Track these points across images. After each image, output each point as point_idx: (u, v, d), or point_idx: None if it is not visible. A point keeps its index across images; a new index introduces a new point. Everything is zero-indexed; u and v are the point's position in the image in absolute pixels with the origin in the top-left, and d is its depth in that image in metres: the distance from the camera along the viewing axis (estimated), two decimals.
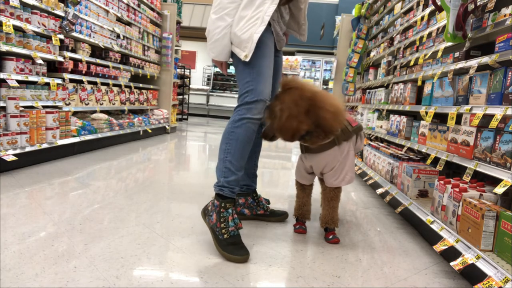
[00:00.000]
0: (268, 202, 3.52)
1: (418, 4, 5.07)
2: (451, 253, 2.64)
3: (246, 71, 2.82)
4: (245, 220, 3.38)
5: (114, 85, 7.58)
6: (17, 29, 4.79)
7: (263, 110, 2.83)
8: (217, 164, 2.92)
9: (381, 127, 5.54)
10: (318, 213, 3.65)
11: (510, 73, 2.57)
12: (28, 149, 4.79)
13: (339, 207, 3.15)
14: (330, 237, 3.09)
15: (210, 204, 2.85)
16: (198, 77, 20.74)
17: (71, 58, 5.98)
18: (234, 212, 2.78)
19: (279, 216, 3.48)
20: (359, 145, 3.27)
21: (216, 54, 2.85)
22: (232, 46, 2.83)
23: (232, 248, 2.66)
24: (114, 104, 7.56)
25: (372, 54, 7.56)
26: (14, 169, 4.64)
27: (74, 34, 5.99)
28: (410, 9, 5.47)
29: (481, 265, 2.29)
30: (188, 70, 16.15)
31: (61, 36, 5.57)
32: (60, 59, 5.63)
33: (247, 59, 2.74)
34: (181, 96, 14.83)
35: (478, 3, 3.15)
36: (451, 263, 2.49)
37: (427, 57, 4.22)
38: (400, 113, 4.97)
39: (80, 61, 6.26)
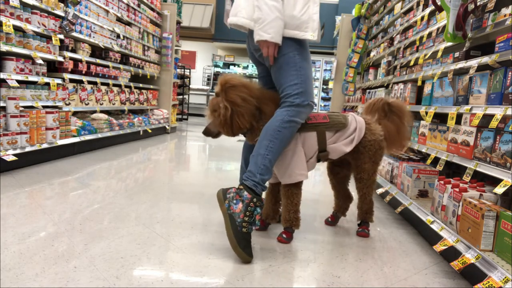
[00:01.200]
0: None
1: (418, 4, 5.07)
2: (451, 253, 2.64)
3: (293, 73, 2.83)
4: None
5: (114, 85, 7.58)
6: (17, 29, 4.78)
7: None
8: (254, 156, 2.81)
9: None
10: (319, 215, 3.65)
11: (510, 73, 2.57)
12: (28, 149, 4.79)
13: (299, 209, 3.03)
14: (284, 236, 3.05)
15: (233, 191, 2.71)
16: (198, 77, 20.75)
17: (71, 58, 5.98)
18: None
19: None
20: (337, 145, 3.05)
21: (274, 34, 2.74)
22: (285, 31, 2.80)
23: (245, 244, 2.61)
24: (114, 104, 7.56)
25: (372, 54, 7.57)
26: (14, 169, 4.64)
27: (74, 34, 5.99)
28: (410, 9, 5.48)
29: (481, 265, 2.29)
30: (188, 70, 16.15)
31: (61, 36, 5.57)
32: (60, 59, 5.63)
33: (315, 38, 2.79)
34: (181, 96, 14.83)
35: (478, 3, 3.15)
36: (451, 263, 2.50)
37: (427, 57, 4.22)
38: None
39: (80, 61, 6.25)
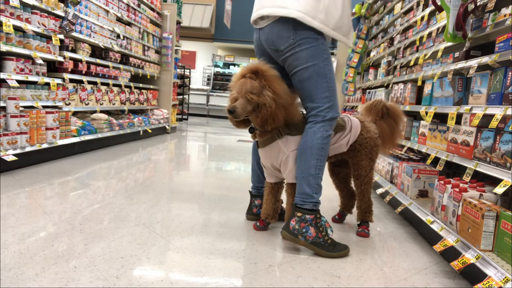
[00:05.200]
0: (281, 201, 3.50)
1: (418, 4, 5.07)
2: (451, 253, 2.64)
3: (324, 85, 2.85)
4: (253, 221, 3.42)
5: (114, 85, 7.59)
6: (17, 29, 4.78)
7: None
8: (304, 177, 2.84)
9: None
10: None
11: (510, 73, 2.57)
12: (28, 149, 4.79)
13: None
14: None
15: (292, 223, 2.80)
16: (198, 77, 20.73)
17: (71, 58, 5.98)
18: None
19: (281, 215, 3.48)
20: (336, 146, 3.13)
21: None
22: (330, 31, 2.82)
23: (335, 247, 2.82)
24: (114, 104, 7.57)
25: (372, 54, 7.56)
26: (14, 169, 4.64)
27: (74, 34, 5.99)
28: (410, 9, 5.47)
29: (481, 265, 2.28)
30: (188, 70, 16.15)
31: (61, 36, 5.57)
32: (60, 59, 5.63)
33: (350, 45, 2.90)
34: (181, 96, 14.83)
35: (478, 3, 3.15)
36: (451, 263, 2.49)
37: (427, 57, 4.22)
38: None
39: (80, 61, 6.26)
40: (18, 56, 4.89)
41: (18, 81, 4.69)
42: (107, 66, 7.27)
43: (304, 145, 2.86)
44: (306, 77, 2.84)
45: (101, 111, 7.19)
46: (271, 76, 2.78)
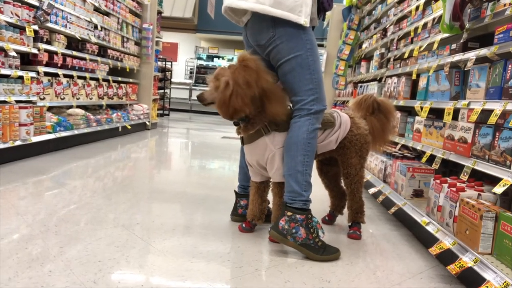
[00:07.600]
0: (268, 202, 3.49)
1: None
2: (447, 257, 2.64)
3: (307, 77, 2.84)
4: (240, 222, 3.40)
5: (92, 78, 7.52)
6: None
7: None
8: (291, 175, 2.84)
9: None
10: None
11: (510, 66, 2.58)
12: (0, 146, 4.73)
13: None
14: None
15: (282, 222, 2.79)
16: (180, 70, 20.67)
17: (46, 50, 5.92)
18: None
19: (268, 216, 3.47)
20: (325, 143, 3.11)
21: None
22: (278, 11, 2.74)
23: (325, 250, 2.80)
24: (91, 99, 7.51)
25: (364, 46, 7.58)
26: None
27: (49, 24, 5.93)
28: None
29: (479, 269, 2.28)
30: (170, 63, 16.08)
31: (36, 27, 5.50)
32: (35, 51, 5.57)
33: (308, 25, 2.76)
34: (162, 90, 14.76)
35: None
36: (448, 267, 2.49)
37: (422, 49, 4.22)
38: None
39: (56, 53, 6.20)
40: None
41: None
42: (84, 59, 7.21)
43: (290, 141, 2.87)
44: (289, 69, 2.86)
45: (78, 106, 7.13)
46: (243, 66, 2.80)
